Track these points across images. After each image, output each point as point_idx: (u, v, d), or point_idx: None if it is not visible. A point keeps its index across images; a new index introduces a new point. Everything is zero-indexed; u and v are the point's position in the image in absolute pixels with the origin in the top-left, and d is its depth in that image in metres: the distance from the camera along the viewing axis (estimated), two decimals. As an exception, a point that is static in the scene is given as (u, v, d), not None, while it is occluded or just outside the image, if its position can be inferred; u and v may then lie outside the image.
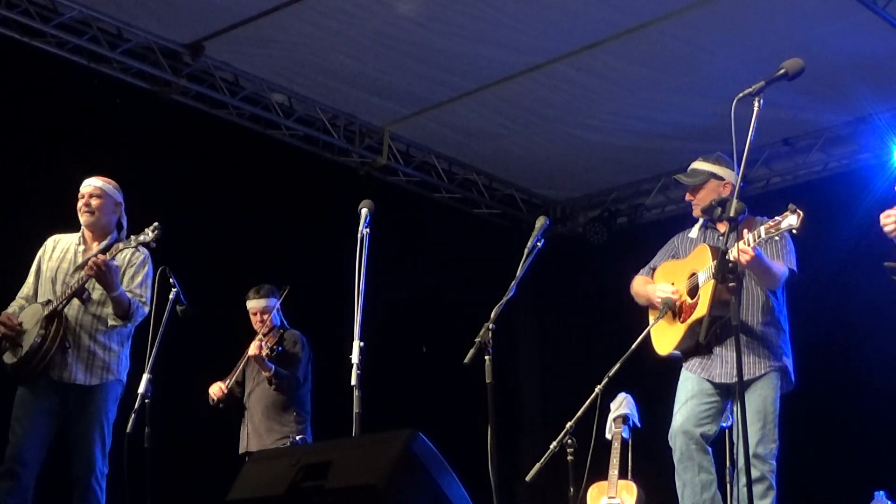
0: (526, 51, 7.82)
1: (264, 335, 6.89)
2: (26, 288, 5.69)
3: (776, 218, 4.65)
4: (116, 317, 5.55)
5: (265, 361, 6.72)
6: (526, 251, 4.87)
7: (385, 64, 7.98)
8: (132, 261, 5.68)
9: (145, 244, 5.51)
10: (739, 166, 4.29)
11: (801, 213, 4.55)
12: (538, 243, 4.90)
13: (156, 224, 5.48)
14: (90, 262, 5.38)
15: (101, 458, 5.48)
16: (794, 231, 4.57)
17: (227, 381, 7.02)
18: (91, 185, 5.71)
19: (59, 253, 5.68)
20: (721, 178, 5.27)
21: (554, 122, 8.82)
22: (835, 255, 8.15)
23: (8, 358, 5.48)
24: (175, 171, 7.90)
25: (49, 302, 5.50)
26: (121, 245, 5.51)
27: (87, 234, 5.71)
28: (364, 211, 4.97)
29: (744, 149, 4.20)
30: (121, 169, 7.52)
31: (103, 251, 5.51)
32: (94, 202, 5.65)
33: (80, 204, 5.68)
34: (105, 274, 5.40)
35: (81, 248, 5.68)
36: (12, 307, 5.63)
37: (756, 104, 4.24)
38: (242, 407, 7.03)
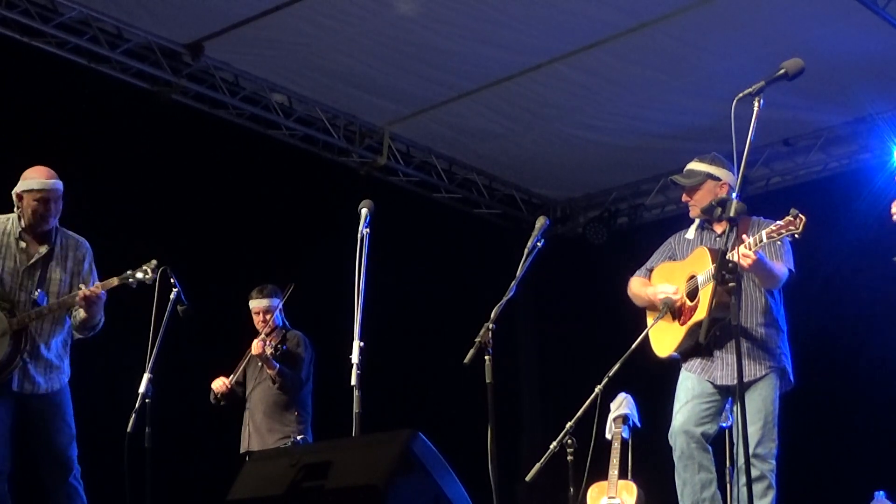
0: (526, 51, 7.82)
1: (267, 335, 6.89)
2: None
3: (778, 222, 4.65)
4: (85, 330, 5.51)
5: (270, 360, 6.73)
6: (526, 251, 4.87)
7: (385, 64, 7.98)
8: (78, 256, 5.55)
9: (142, 282, 5.41)
10: (739, 166, 4.28)
11: (803, 217, 4.55)
12: (538, 243, 4.90)
13: (155, 262, 5.43)
14: (85, 295, 5.30)
15: (75, 458, 5.46)
16: (796, 236, 4.57)
17: (232, 376, 7.01)
18: (52, 188, 5.42)
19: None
20: (718, 179, 5.26)
21: (554, 122, 8.82)
22: (835, 255, 8.15)
23: None
24: (175, 171, 7.90)
25: (10, 309, 5.33)
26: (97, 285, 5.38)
27: (27, 227, 5.46)
28: (364, 211, 4.97)
29: (744, 149, 4.20)
30: (121, 169, 7.57)
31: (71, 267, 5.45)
32: (53, 207, 5.44)
33: (35, 205, 5.39)
34: (96, 306, 5.36)
35: (23, 244, 5.45)
36: None
37: (756, 104, 4.24)
38: (243, 407, 7.04)
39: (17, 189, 5.50)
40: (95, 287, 5.38)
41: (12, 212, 5.54)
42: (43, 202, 5.42)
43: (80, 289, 5.46)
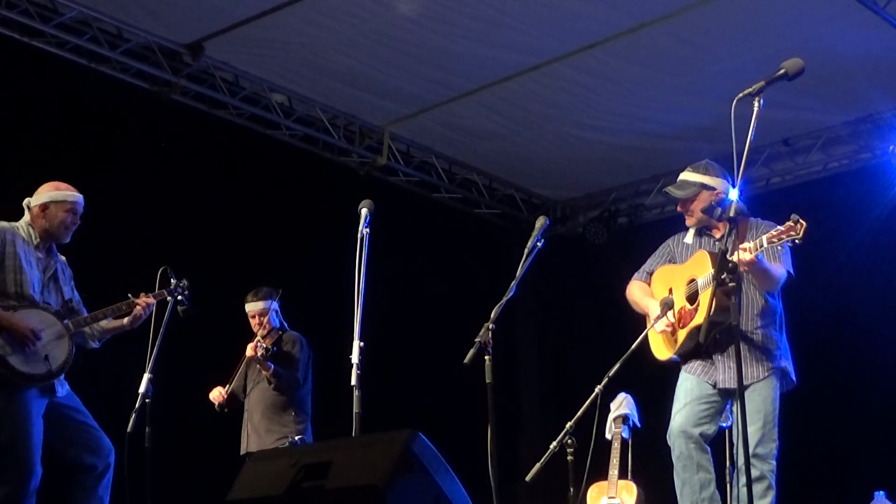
0: (526, 51, 7.83)
1: (263, 337, 6.89)
2: None
3: (779, 228, 4.64)
4: (104, 339, 5.65)
5: (264, 362, 6.74)
6: (526, 251, 4.87)
7: (385, 64, 7.98)
8: (68, 274, 5.64)
9: (171, 298, 5.71)
10: (739, 166, 4.28)
11: (804, 223, 4.54)
12: (538, 243, 4.89)
13: (186, 282, 5.77)
14: (147, 303, 5.57)
15: None
16: (797, 241, 4.56)
17: (228, 386, 7.03)
18: (81, 201, 5.57)
19: (22, 252, 5.39)
20: (712, 189, 5.23)
21: (554, 122, 8.82)
22: (835, 255, 8.16)
23: (26, 367, 5.22)
24: (175, 171, 7.90)
25: (63, 317, 5.43)
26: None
27: (43, 238, 5.50)
28: (364, 211, 4.97)
29: (744, 149, 4.20)
30: (120, 169, 7.56)
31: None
32: (78, 221, 5.58)
33: (64, 216, 5.49)
34: (148, 315, 5.61)
35: (40, 255, 5.48)
36: None
37: (756, 104, 4.24)
38: (243, 408, 7.04)
39: (41, 199, 5.51)
40: (150, 297, 5.60)
41: (10, 220, 5.55)
42: (73, 214, 5.53)
43: (76, 303, 5.60)
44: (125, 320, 5.63)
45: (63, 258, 5.66)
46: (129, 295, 5.62)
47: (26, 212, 5.54)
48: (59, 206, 5.50)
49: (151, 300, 5.64)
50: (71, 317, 5.53)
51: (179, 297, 5.75)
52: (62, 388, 5.44)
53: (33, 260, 5.43)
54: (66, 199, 5.52)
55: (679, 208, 5.37)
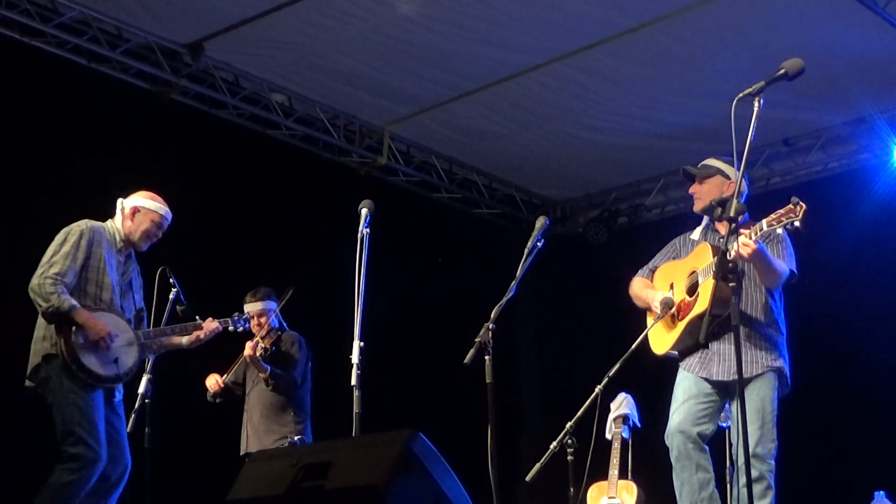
0: (526, 51, 7.83)
1: (262, 337, 6.89)
2: (69, 276, 5.29)
3: (778, 211, 4.63)
4: (154, 354, 5.74)
5: (260, 362, 6.74)
6: (526, 251, 4.87)
7: (385, 64, 7.98)
8: (139, 282, 5.70)
9: (234, 328, 6.11)
10: (739, 166, 4.28)
11: (803, 205, 4.54)
12: (538, 243, 4.90)
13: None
14: (208, 331, 5.76)
15: None
16: (796, 223, 4.54)
17: (225, 375, 7.02)
18: (170, 219, 5.67)
19: (107, 254, 5.46)
20: (728, 178, 5.24)
21: (554, 122, 8.82)
22: (835, 255, 8.15)
23: (99, 367, 5.29)
24: (175, 171, 7.88)
25: (134, 327, 5.50)
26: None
27: (126, 241, 5.58)
28: (364, 211, 4.98)
29: (744, 149, 4.20)
30: (120, 169, 7.55)
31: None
32: (160, 236, 5.67)
33: (150, 226, 5.57)
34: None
35: (121, 259, 5.56)
36: (65, 297, 5.21)
37: (756, 104, 4.24)
38: (242, 408, 7.04)
39: (134, 202, 5.61)
40: (215, 323, 5.82)
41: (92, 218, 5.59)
42: (158, 227, 5.62)
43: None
44: (184, 339, 5.72)
45: (139, 269, 5.70)
46: (197, 317, 5.74)
47: (118, 212, 5.61)
48: (148, 215, 5.60)
49: (217, 326, 5.79)
50: (138, 326, 5.58)
51: (241, 329, 6.20)
52: (118, 395, 5.49)
53: (114, 263, 5.51)
54: (157, 210, 5.63)
55: (691, 189, 5.36)
